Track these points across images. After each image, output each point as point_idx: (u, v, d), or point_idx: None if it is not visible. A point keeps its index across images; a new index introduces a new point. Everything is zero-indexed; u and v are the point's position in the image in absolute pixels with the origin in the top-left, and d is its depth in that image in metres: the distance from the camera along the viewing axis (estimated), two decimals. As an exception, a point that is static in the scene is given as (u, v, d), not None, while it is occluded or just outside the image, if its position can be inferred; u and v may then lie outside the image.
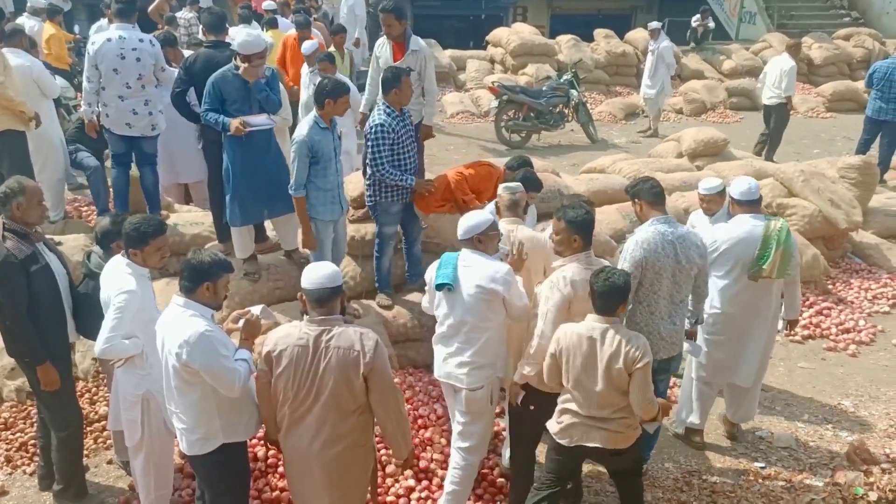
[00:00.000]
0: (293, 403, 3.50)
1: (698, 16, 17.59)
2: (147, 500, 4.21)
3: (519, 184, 4.75)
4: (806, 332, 6.76)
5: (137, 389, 4.04)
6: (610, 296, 3.71)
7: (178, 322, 3.50)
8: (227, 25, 6.51)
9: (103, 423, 5.07)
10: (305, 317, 3.54)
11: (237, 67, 5.37)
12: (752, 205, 4.93)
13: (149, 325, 3.88)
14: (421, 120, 6.37)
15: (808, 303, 7.14)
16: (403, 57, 6.22)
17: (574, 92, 12.07)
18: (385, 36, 6.43)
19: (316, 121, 5.19)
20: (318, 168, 5.22)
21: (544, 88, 12.13)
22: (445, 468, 4.56)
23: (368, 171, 5.58)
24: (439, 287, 4.11)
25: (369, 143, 5.43)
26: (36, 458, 4.82)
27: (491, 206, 4.92)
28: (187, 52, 7.10)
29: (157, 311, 4.11)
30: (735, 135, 12.48)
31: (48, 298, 4.19)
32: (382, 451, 4.58)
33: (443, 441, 4.83)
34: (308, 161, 5.16)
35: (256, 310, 3.76)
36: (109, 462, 4.88)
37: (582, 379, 3.76)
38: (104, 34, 6.17)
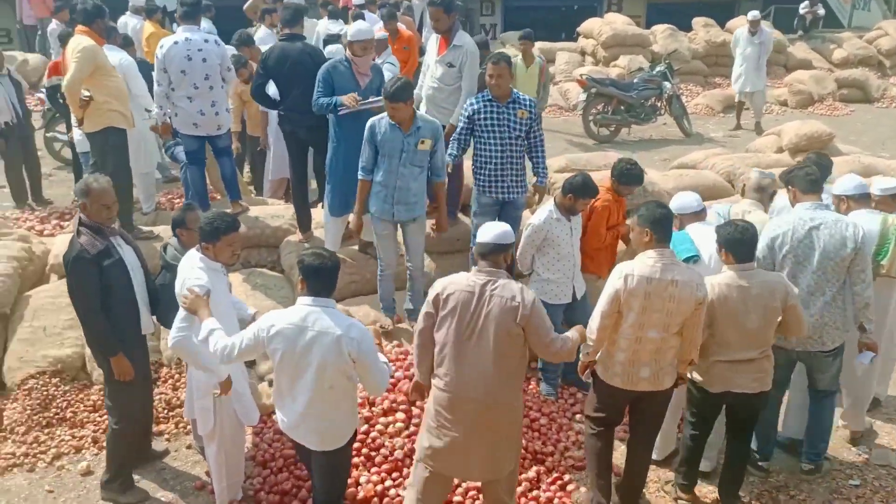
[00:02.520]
0: (454, 346, 3.70)
1: (807, 2, 16.72)
2: (220, 486, 4.31)
3: (771, 171, 5.23)
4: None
5: (210, 379, 4.10)
6: (748, 243, 4.06)
7: (340, 319, 3.58)
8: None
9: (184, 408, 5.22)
10: (474, 268, 3.79)
11: (347, 58, 5.57)
12: (863, 199, 4.83)
13: (221, 319, 3.93)
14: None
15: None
16: (445, 52, 6.11)
17: (667, 84, 11.65)
18: (434, 31, 6.33)
19: (386, 117, 5.16)
20: (378, 159, 5.23)
21: (635, 80, 11.78)
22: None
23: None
24: (687, 260, 4.31)
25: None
26: None
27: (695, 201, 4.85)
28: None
29: (230, 305, 4.22)
30: (844, 128, 11.84)
31: (122, 291, 4.29)
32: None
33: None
34: (370, 147, 5.20)
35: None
36: (188, 447, 5.02)
37: (736, 322, 4.05)
38: (172, 38, 6.31)
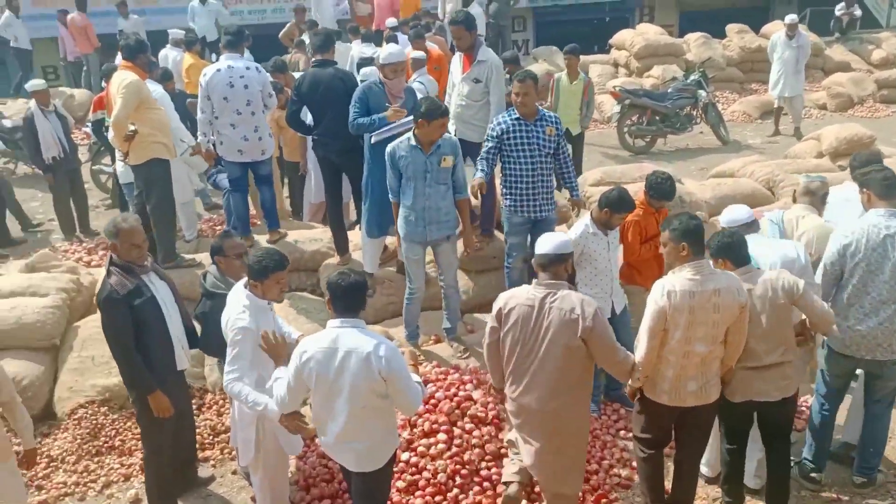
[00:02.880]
0: (518, 359, 3.86)
1: (843, 4, 16.40)
2: (265, 515, 4.33)
3: (819, 175, 5.21)
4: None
5: (253, 410, 4.11)
6: (743, 247, 4.07)
7: (369, 337, 3.60)
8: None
9: (230, 434, 5.28)
10: (535, 280, 3.88)
11: (381, 81, 5.67)
12: None
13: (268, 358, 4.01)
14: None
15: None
16: (470, 69, 6.14)
17: (702, 92, 11.53)
18: (457, 49, 6.36)
19: (409, 137, 5.15)
20: (402, 183, 5.21)
21: (669, 90, 11.67)
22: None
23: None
24: None
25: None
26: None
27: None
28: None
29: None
30: (885, 130, 11.57)
31: (156, 329, 4.30)
32: (493, 470, 4.50)
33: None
34: (393, 171, 5.20)
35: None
36: (234, 473, 5.07)
37: (749, 330, 3.96)
38: (214, 66, 6.45)
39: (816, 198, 5.14)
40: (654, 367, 3.98)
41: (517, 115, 5.45)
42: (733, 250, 4.09)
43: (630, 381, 4.05)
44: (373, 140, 5.60)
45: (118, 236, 4.24)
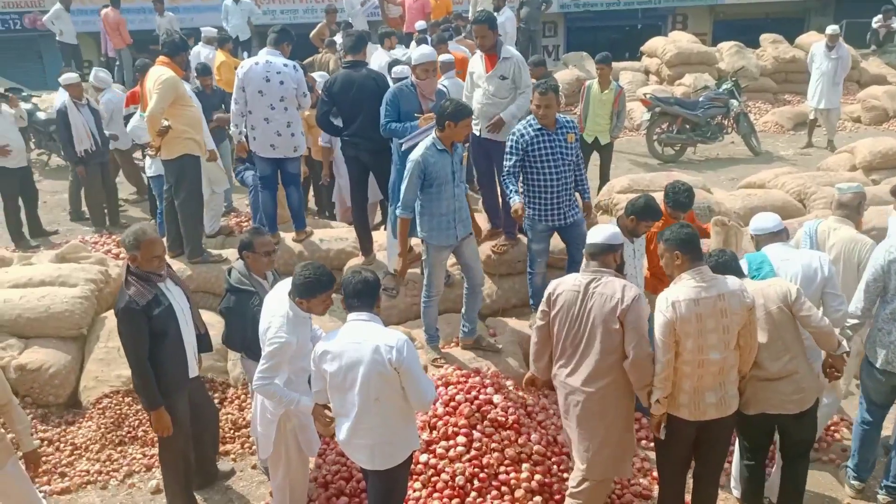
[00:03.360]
0: (564, 342, 4.05)
1: (880, 16, 16.14)
2: (283, 511, 4.34)
3: (853, 185, 5.16)
4: None
5: (276, 409, 4.15)
6: (731, 262, 4.13)
7: (380, 329, 3.70)
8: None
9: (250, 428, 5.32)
10: (582, 267, 4.08)
11: (413, 82, 5.68)
12: None
13: (300, 359, 4.07)
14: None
15: None
16: (496, 66, 6.12)
17: (734, 101, 11.38)
18: (479, 49, 6.34)
19: (434, 142, 5.02)
20: (431, 192, 5.05)
21: (701, 99, 11.54)
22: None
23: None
24: None
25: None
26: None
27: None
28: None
29: (308, 344, 4.16)
30: (921, 144, 11.33)
31: (172, 337, 4.30)
32: (512, 475, 4.49)
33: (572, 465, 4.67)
34: (419, 182, 4.99)
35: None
36: (254, 467, 5.11)
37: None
38: (252, 59, 6.54)
39: (851, 209, 5.07)
40: (673, 382, 3.91)
41: (539, 126, 5.42)
42: (727, 269, 4.08)
43: (651, 409, 3.99)
44: (403, 147, 5.59)
45: (139, 248, 4.20)
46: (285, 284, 4.10)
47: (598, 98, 8.77)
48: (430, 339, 5.51)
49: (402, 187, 5.07)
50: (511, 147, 5.48)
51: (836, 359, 4.13)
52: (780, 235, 4.59)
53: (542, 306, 4.17)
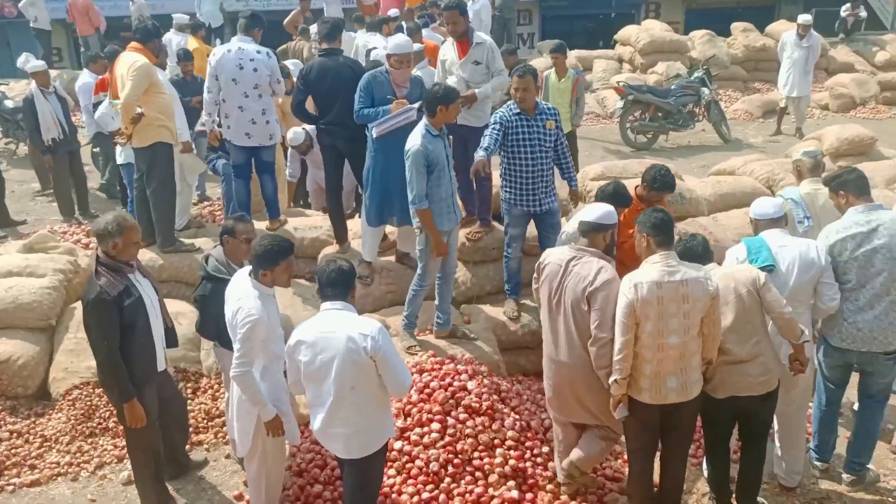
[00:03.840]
0: (545, 311, 4.31)
1: (848, 5, 16.36)
2: (258, 500, 4.32)
3: (812, 149, 5.38)
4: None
5: (252, 407, 4.09)
6: (704, 248, 4.28)
7: (355, 318, 3.73)
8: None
9: (224, 418, 5.29)
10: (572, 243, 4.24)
11: (387, 70, 5.62)
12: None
13: (274, 342, 4.06)
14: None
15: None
16: (469, 52, 6.13)
17: (705, 90, 11.50)
18: (450, 35, 6.34)
19: (427, 129, 5.05)
20: (432, 178, 5.06)
21: (673, 87, 11.64)
22: (546, 479, 4.49)
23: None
24: (763, 269, 4.24)
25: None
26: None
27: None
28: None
29: (278, 328, 4.17)
30: (887, 132, 11.54)
31: (141, 329, 4.24)
32: (486, 460, 4.52)
33: (545, 450, 4.74)
34: (425, 171, 4.98)
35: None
36: (227, 457, 5.09)
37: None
38: (224, 46, 6.47)
39: (819, 171, 5.37)
40: (634, 365, 3.97)
41: (518, 110, 5.44)
42: (693, 255, 4.19)
43: (611, 390, 4.04)
44: (375, 134, 5.56)
45: (122, 234, 4.14)
46: (244, 270, 4.15)
47: (556, 87, 8.75)
48: (409, 326, 5.49)
49: (409, 179, 5.01)
50: (493, 123, 5.43)
51: (799, 350, 4.18)
52: (779, 222, 4.61)
53: (535, 273, 4.44)
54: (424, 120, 5.10)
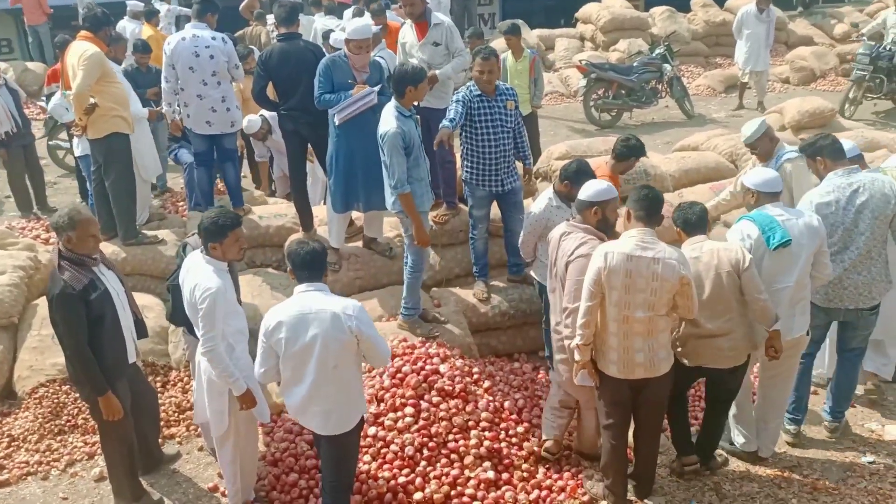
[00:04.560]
0: (549, 285, 4.55)
1: (805, -22, 16.54)
2: (233, 488, 4.31)
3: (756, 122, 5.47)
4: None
5: (223, 381, 4.10)
6: (698, 218, 4.31)
7: (335, 298, 3.78)
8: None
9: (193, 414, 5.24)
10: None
11: (346, 54, 5.53)
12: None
13: (233, 318, 4.08)
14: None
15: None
16: (427, 34, 6.10)
17: (667, 66, 11.58)
18: (408, 17, 6.31)
19: (398, 110, 4.98)
20: (410, 159, 4.99)
21: (635, 64, 11.69)
22: (521, 459, 4.52)
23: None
24: (784, 245, 4.26)
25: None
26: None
27: None
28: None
29: (237, 304, 4.22)
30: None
31: (110, 322, 4.17)
32: (461, 443, 4.54)
33: (520, 430, 4.76)
34: (403, 153, 4.90)
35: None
36: (200, 449, 5.04)
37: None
38: (178, 34, 6.35)
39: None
40: (601, 338, 4.04)
41: (478, 92, 5.42)
42: (688, 222, 4.32)
43: (574, 355, 4.11)
44: (337, 121, 5.47)
45: (75, 227, 4.05)
46: (195, 252, 4.17)
47: (514, 69, 8.58)
48: (412, 314, 5.38)
49: (388, 164, 4.92)
50: (455, 102, 5.41)
51: (774, 337, 4.22)
52: (778, 196, 4.58)
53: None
54: (393, 101, 5.04)
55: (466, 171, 5.62)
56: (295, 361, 3.76)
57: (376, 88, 5.47)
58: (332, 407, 3.81)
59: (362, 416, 4.03)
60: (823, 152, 4.73)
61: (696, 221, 4.32)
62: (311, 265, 3.78)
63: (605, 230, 4.34)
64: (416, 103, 5.24)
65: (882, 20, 12.25)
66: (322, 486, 4.16)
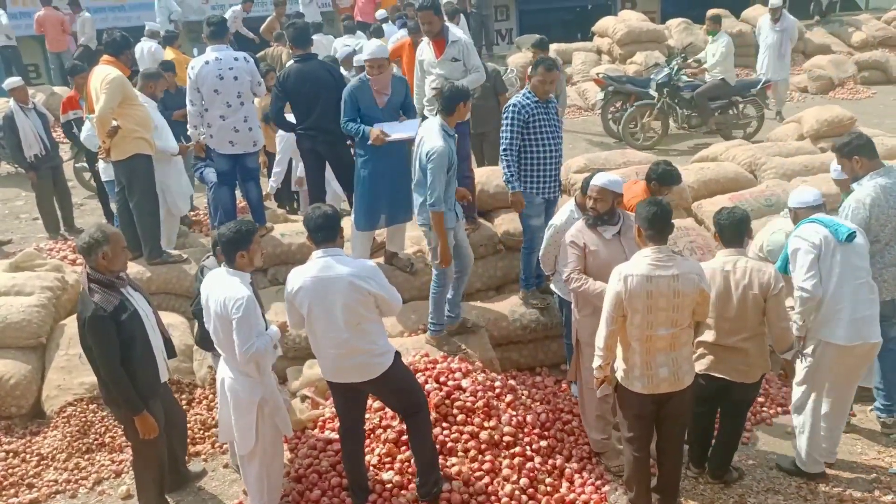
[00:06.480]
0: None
1: (822, -14, 16.47)
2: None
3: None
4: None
5: (253, 396, 4.17)
6: (734, 228, 4.25)
7: (351, 261, 4.08)
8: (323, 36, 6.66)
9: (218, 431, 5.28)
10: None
11: (368, 76, 5.63)
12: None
13: (258, 330, 4.13)
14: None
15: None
16: (444, 51, 6.17)
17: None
18: (426, 35, 6.37)
19: (444, 128, 4.99)
20: (448, 176, 5.00)
21: (652, 76, 11.68)
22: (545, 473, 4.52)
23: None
24: (850, 238, 4.33)
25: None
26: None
27: None
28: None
29: (262, 321, 4.24)
30: (866, 111, 11.65)
31: (140, 342, 4.21)
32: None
33: (543, 444, 4.77)
34: (446, 173, 4.92)
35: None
36: (226, 466, 5.09)
37: (717, 308, 4.19)
38: (202, 58, 6.44)
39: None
40: (624, 356, 4.05)
41: (535, 98, 5.45)
42: (724, 231, 4.31)
43: (594, 372, 4.15)
44: (370, 142, 5.54)
45: (109, 242, 4.10)
46: (215, 271, 4.28)
47: None
48: (439, 331, 5.41)
49: (429, 181, 4.88)
50: (510, 119, 5.39)
51: (787, 365, 4.39)
52: (820, 209, 4.63)
53: None
54: (439, 119, 5.06)
55: (524, 181, 5.50)
56: (321, 323, 4.02)
57: (416, 125, 5.49)
58: (366, 357, 4.07)
59: (397, 352, 4.25)
60: (862, 151, 4.76)
61: (730, 235, 4.30)
62: (325, 226, 4.02)
63: (602, 216, 4.56)
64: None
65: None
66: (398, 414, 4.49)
